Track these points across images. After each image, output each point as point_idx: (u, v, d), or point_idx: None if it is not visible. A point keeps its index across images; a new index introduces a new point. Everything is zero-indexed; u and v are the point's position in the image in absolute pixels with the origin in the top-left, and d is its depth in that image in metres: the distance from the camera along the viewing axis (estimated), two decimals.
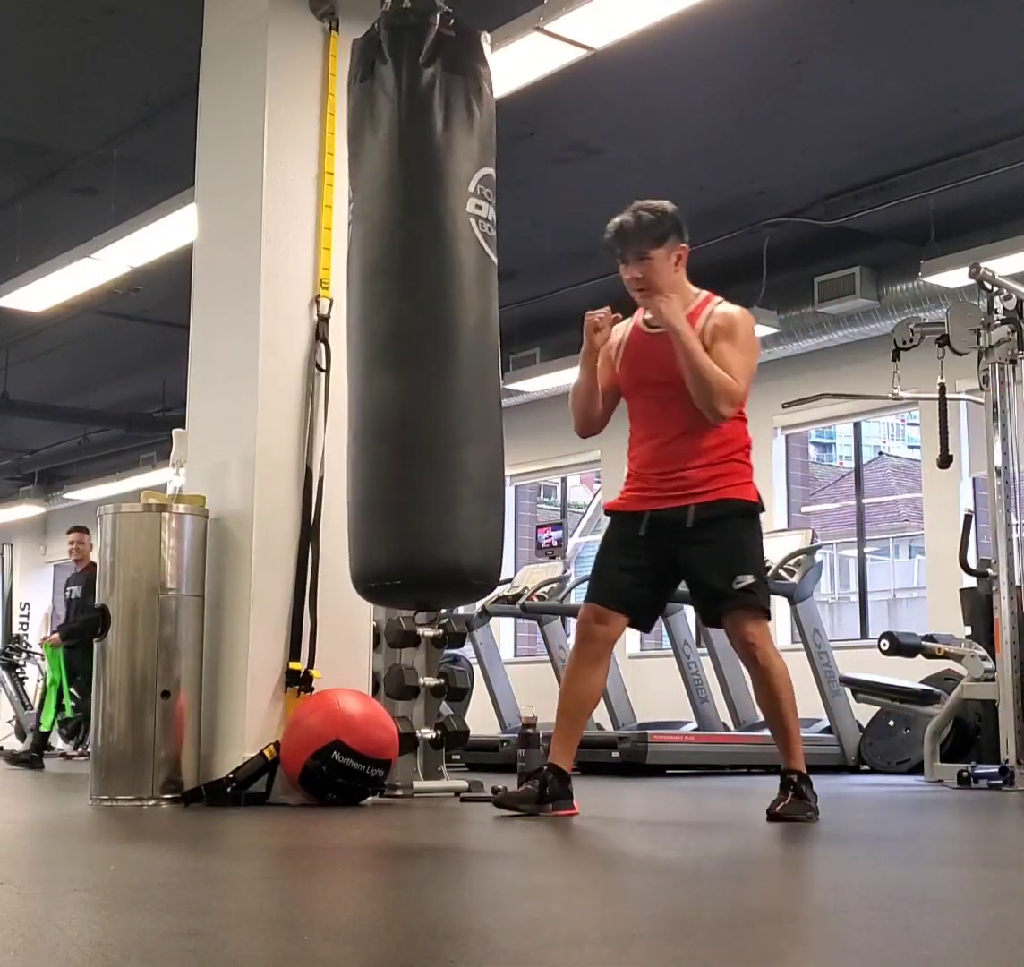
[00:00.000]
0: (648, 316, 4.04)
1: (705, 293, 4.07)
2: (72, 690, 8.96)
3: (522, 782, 4.07)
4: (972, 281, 6.28)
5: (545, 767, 4.03)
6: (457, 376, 3.40)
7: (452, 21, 3.55)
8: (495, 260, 3.49)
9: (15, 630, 13.58)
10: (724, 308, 4.01)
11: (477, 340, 3.44)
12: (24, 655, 12.98)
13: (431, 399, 3.38)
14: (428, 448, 3.35)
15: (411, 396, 3.36)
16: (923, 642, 6.99)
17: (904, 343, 6.61)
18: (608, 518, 4.12)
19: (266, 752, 4.57)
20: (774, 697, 3.98)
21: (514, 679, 9.38)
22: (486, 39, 3.68)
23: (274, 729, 4.66)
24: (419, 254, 3.42)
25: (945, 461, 6.38)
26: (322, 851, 3.34)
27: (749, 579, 3.86)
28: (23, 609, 14.20)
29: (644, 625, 4.23)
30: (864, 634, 10.65)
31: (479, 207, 3.43)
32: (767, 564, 8.21)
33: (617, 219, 4.05)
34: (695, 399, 3.86)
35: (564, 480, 13.80)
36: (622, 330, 4.10)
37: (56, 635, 9.16)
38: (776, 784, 3.97)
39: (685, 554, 3.92)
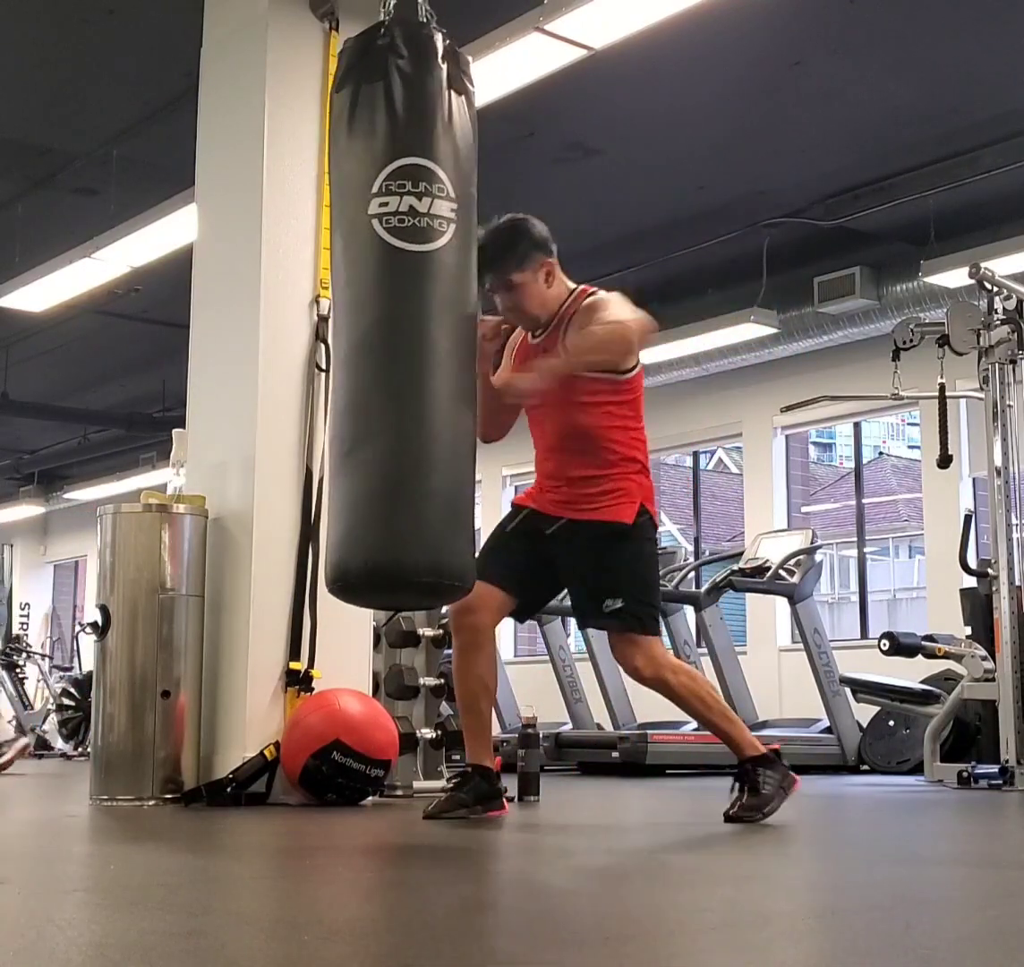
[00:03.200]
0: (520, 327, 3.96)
1: (580, 287, 3.95)
2: None
3: (456, 788, 3.94)
4: (972, 281, 6.28)
5: (467, 769, 3.94)
6: (354, 379, 3.44)
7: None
8: (415, 247, 3.41)
9: (15, 630, 13.58)
10: (596, 296, 3.89)
11: (386, 342, 3.42)
12: (24, 655, 12.98)
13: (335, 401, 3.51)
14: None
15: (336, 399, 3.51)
16: (923, 642, 6.99)
17: (904, 343, 6.61)
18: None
19: (266, 752, 4.57)
20: (690, 707, 3.85)
21: (514, 679, 9.38)
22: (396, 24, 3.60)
23: (274, 729, 4.66)
24: (334, 274, 3.60)
25: (945, 461, 6.38)
26: (322, 851, 3.34)
27: (618, 604, 3.72)
28: (23, 609, 14.21)
29: (521, 616, 4.19)
30: (864, 634, 10.66)
31: (384, 204, 3.42)
32: (768, 564, 8.29)
33: (478, 249, 3.80)
34: (606, 367, 3.75)
35: None
36: (517, 335, 4.00)
37: None
38: None
39: (560, 566, 3.87)
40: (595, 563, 3.78)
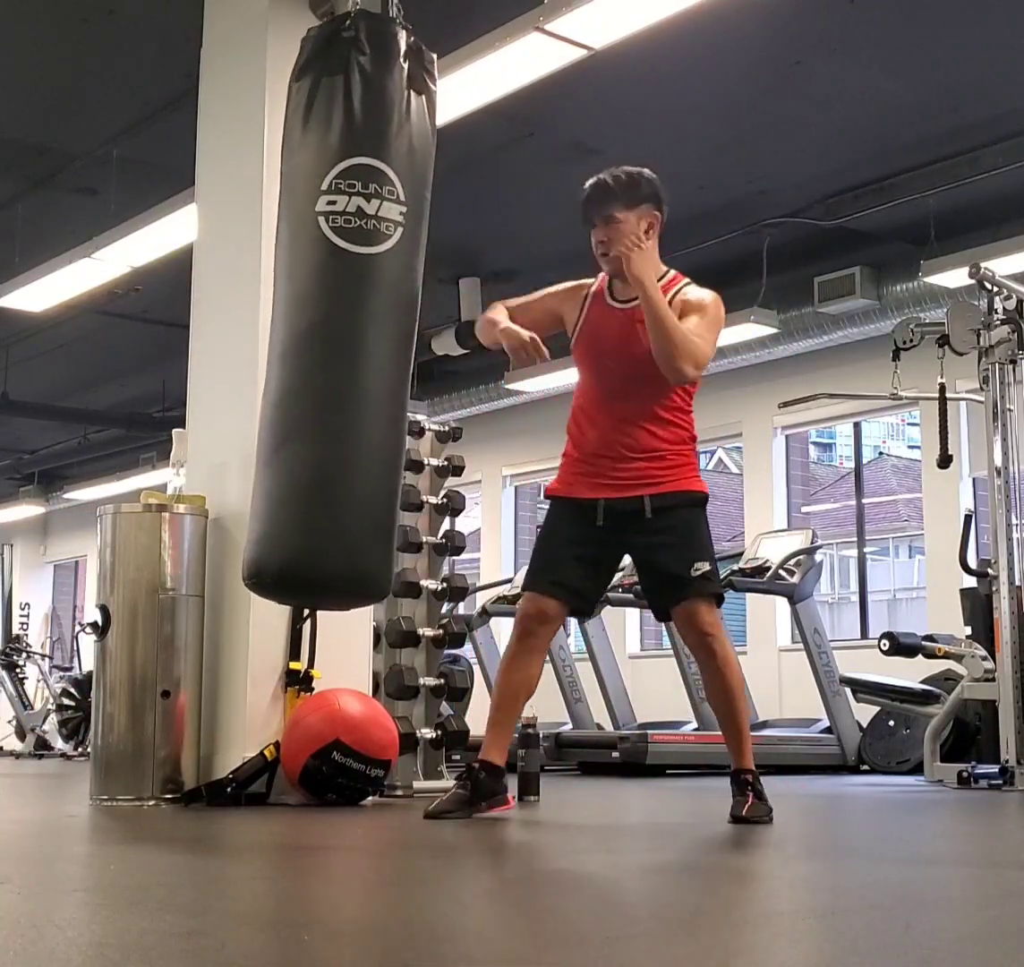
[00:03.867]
0: (615, 289, 3.93)
1: (674, 272, 3.97)
2: None
3: (462, 784, 3.92)
4: (972, 281, 6.28)
5: (475, 764, 3.92)
6: (289, 376, 3.42)
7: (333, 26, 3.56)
8: (359, 249, 3.39)
9: (15, 630, 13.58)
10: (696, 288, 3.93)
11: (324, 342, 3.40)
12: (24, 655, 12.98)
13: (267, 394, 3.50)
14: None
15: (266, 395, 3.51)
16: (923, 642, 6.99)
17: (904, 343, 6.61)
18: (551, 501, 4.01)
19: (266, 752, 4.57)
20: (729, 692, 3.87)
21: None
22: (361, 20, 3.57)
23: (274, 729, 4.66)
24: (277, 262, 3.57)
25: (945, 461, 6.38)
26: (322, 851, 3.33)
27: (706, 567, 3.82)
28: (23, 609, 14.21)
29: (588, 614, 4.20)
30: (864, 634, 10.66)
31: (333, 203, 3.38)
32: (768, 564, 8.29)
33: (590, 181, 3.91)
34: (657, 356, 3.72)
35: None
36: (576, 298, 3.97)
37: None
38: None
39: (641, 544, 3.86)
40: (685, 531, 3.85)
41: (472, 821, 3.85)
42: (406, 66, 3.51)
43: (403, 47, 3.52)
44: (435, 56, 3.66)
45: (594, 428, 3.90)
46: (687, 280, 3.97)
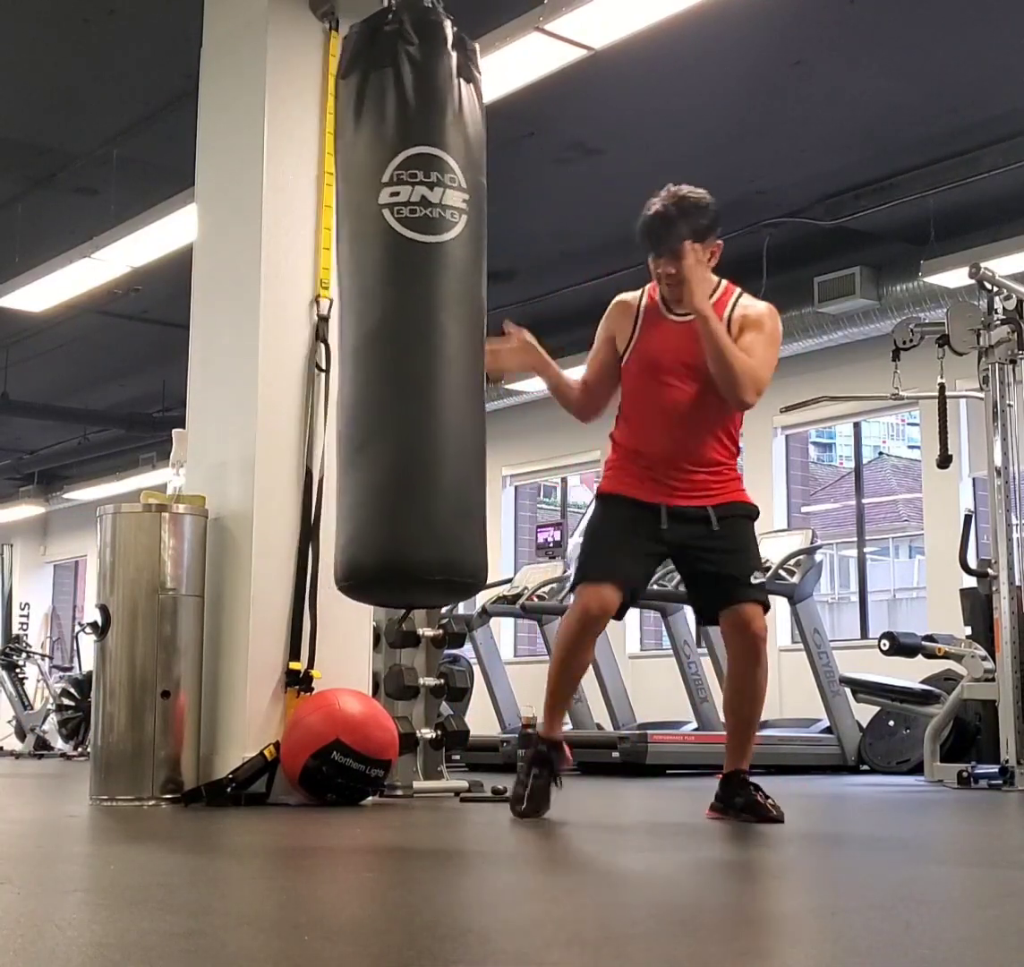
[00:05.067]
0: (670, 302, 3.96)
1: (725, 283, 4.02)
2: None
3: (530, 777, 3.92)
4: (972, 281, 6.28)
5: (542, 747, 3.94)
6: (365, 372, 3.39)
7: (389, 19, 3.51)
8: (427, 238, 3.38)
9: (15, 630, 13.58)
10: (750, 301, 3.99)
11: (397, 335, 3.38)
12: (24, 655, 12.99)
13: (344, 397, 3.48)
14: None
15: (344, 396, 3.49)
16: (923, 642, 6.99)
17: (904, 343, 6.60)
18: (608, 499, 4.00)
19: (266, 752, 4.57)
20: (760, 697, 3.95)
21: (514, 679, 9.38)
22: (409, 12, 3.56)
23: (274, 729, 4.66)
24: (340, 260, 3.55)
25: (945, 461, 6.38)
26: (322, 851, 3.33)
27: (762, 577, 3.94)
28: (23, 609, 14.22)
29: (632, 604, 4.20)
30: (864, 634, 10.66)
31: (396, 194, 3.37)
32: (768, 564, 8.29)
33: (655, 208, 3.89)
34: (721, 385, 3.81)
35: (564, 480, 13.78)
36: (628, 314, 4.02)
37: None
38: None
39: (701, 549, 3.90)
40: (744, 540, 3.96)
41: (471, 821, 3.85)
42: (454, 55, 3.51)
43: (450, 36, 3.53)
44: (477, 45, 3.67)
45: (660, 437, 3.93)
46: (739, 290, 4.02)
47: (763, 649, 3.88)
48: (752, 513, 4.00)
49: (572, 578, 4.04)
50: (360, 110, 3.46)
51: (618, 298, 4.10)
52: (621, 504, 3.96)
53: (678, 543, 3.92)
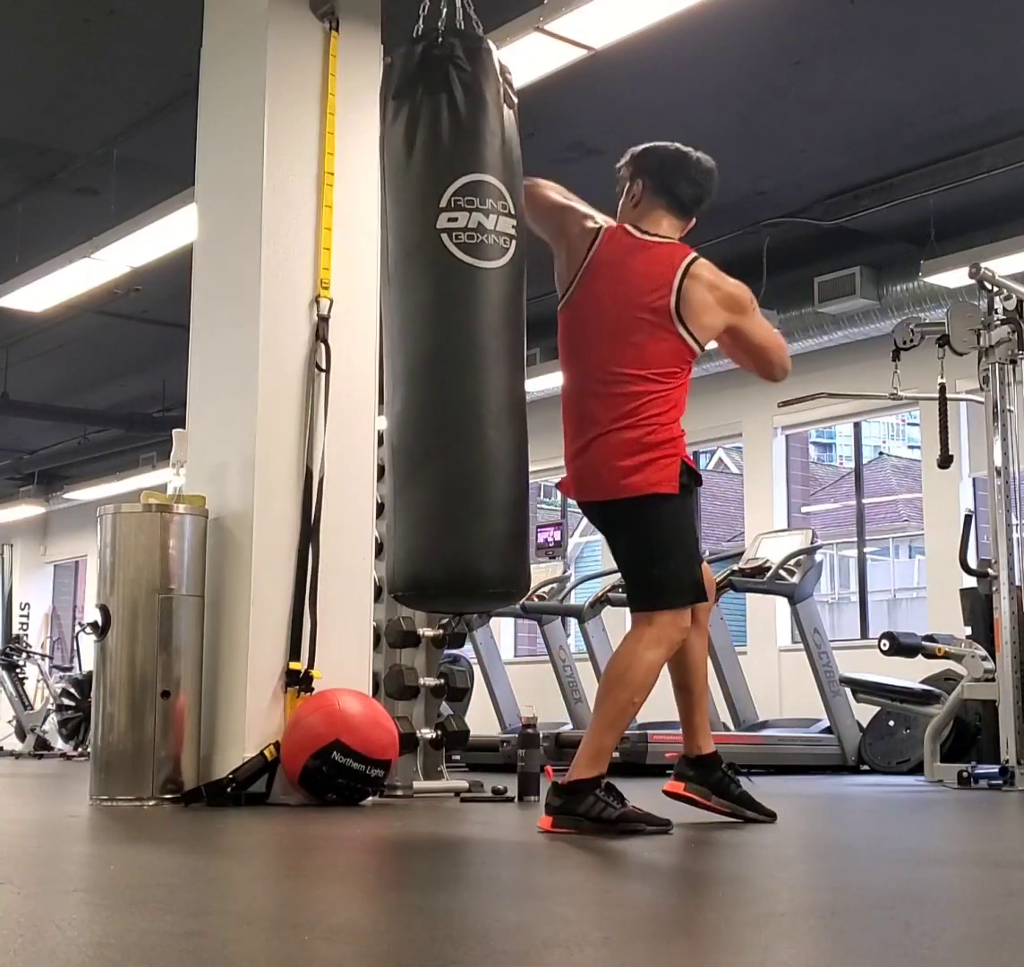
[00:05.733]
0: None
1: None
2: None
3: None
4: (972, 281, 6.28)
5: (726, 766, 3.80)
6: (423, 392, 3.49)
7: (440, 39, 3.58)
8: (482, 264, 3.48)
9: (15, 630, 13.58)
10: (708, 272, 3.90)
11: (456, 356, 3.49)
12: (24, 655, 12.99)
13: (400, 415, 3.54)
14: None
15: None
16: (923, 642, 6.99)
17: (904, 343, 6.60)
18: (675, 499, 3.56)
19: (266, 752, 4.57)
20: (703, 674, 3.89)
21: (514, 679, 9.38)
22: (475, 30, 3.66)
23: (274, 729, 4.66)
24: (393, 280, 3.60)
25: (945, 461, 6.38)
26: (322, 851, 3.34)
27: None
28: (23, 609, 14.21)
29: None
30: (864, 634, 10.66)
31: (453, 219, 3.46)
32: (768, 564, 8.29)
33: (713, 175, 4.04)
34: (760, 373, 3.88)
35: None
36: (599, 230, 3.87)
37: None
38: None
39: None
40: None
41: (471, 822, 3.85)
42: (500, 81, 3.62)
43: (498, 63, 3.64)
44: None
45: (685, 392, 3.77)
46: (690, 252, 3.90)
47: (704, 618, 3.79)
48: None
49: (671, 592, 3.55)
50: (414, 133, 3.55)
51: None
52: (691, 495, 3.67)
53: None
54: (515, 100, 3.68)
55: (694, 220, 3.96)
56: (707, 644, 3.93)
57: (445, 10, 3.68)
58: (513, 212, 3.55)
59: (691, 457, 3.74)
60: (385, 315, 3.69)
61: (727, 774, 3.85)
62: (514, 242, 3.54)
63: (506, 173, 3.58)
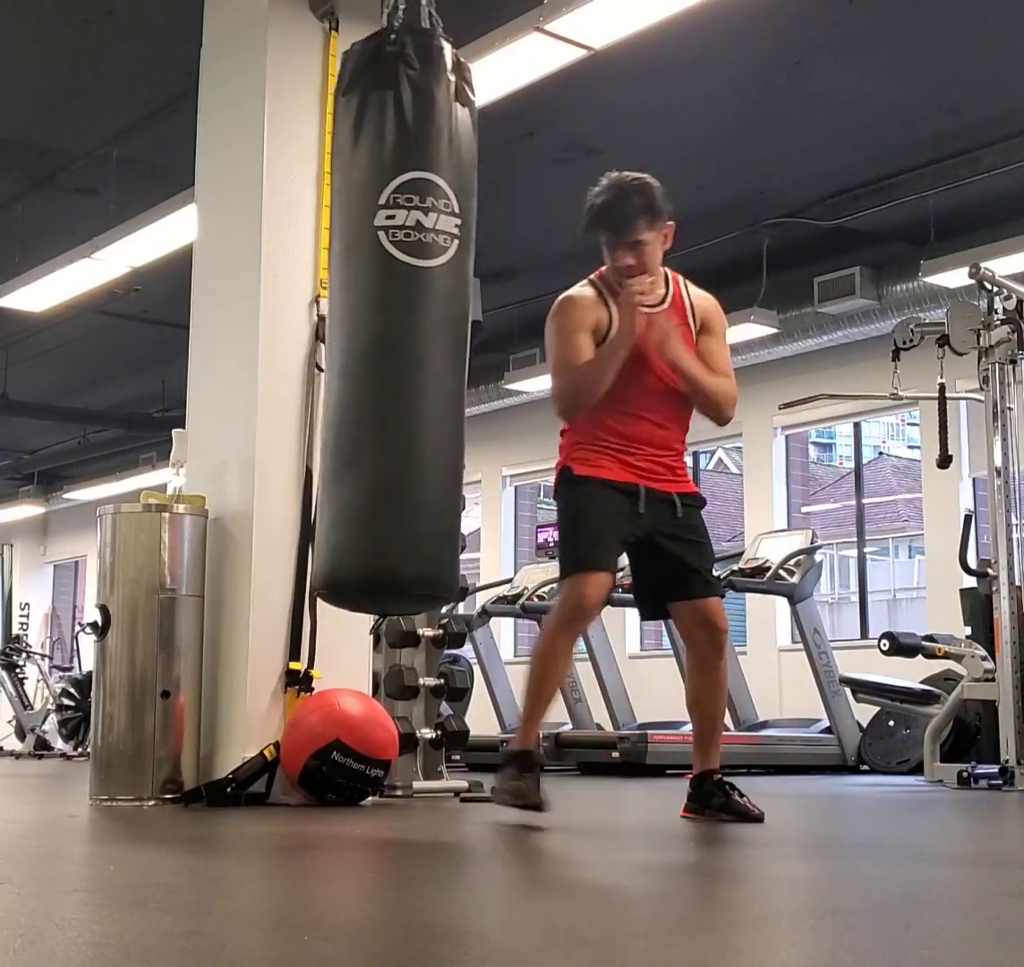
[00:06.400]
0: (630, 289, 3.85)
1: (670, 272, 3.98)
2: None
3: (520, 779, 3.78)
4: (972, 281, 6.28)
5: (526, 750, 3.81)
6: (354, 390, 3.47)
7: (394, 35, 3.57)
8: (418, 263, 3.44)
9: (15, 630, 13.58)
10: (697, 289, 3.98)
11: (388, 356, 3.45)
12: (24, 655, 12.99)
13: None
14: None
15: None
16: (923, 642, 6.99)
17: (904, 343, 6.60)
18: (588, 482, 3.82)
19: (266, 752, 4.57)
20: (723, 691, 3.94)
21: (514, 679, 9.37)
22: (436, 29, 3.64)
23: (274, 729, 4.66)
24: (333, 276, 3.61)
25: (945, 461, 6.38)
26: (322, 851, 3.34)
27: (718, 571, 3.92)
28: (23, 609, 14.22)
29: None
30: (864, 634, 10.66)
31: (391, 217, 3.44)
32: (768, 564, 8.29)
33: (602, 197, 3.84)
34: (702, 409, 3.88)
35: None
36: (599, 306, 3.86)
37: None
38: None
39: (670, 536, 3.85)
40: (704, 533, 3.94)
41: (471, 821, 3.85)
42: (452, 79, 3.59)
43: (449, 60, 3.61)
44: (472, 67, 3.73)
45: (638, 421, 3.86)
46: (682, 277, 4.01)
47: (726, 643, 3.87)
48: (703, 504, 3.99)
49: (563, 567, 3.82)
50: (359, 130, 3.54)
51: (573, 295, 3.92)
52: (601, 487, 3.84)
53: (651, 528, 3.85)
54: (472, 98, 3.64)
55: (604, 245, 3.90)
56: (720, 670, 3.88)
57: (403, 7, 3.64)
58: (457, 211, 3.50)
59: (614, 470, 3.83)
60: (328, 310, 3.68)
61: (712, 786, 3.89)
62: (456, 242, 3.50)
63: (453, 172, 3.53)
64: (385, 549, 3.40)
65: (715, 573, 3.94)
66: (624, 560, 4.03)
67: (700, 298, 3.98)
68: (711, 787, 3.87)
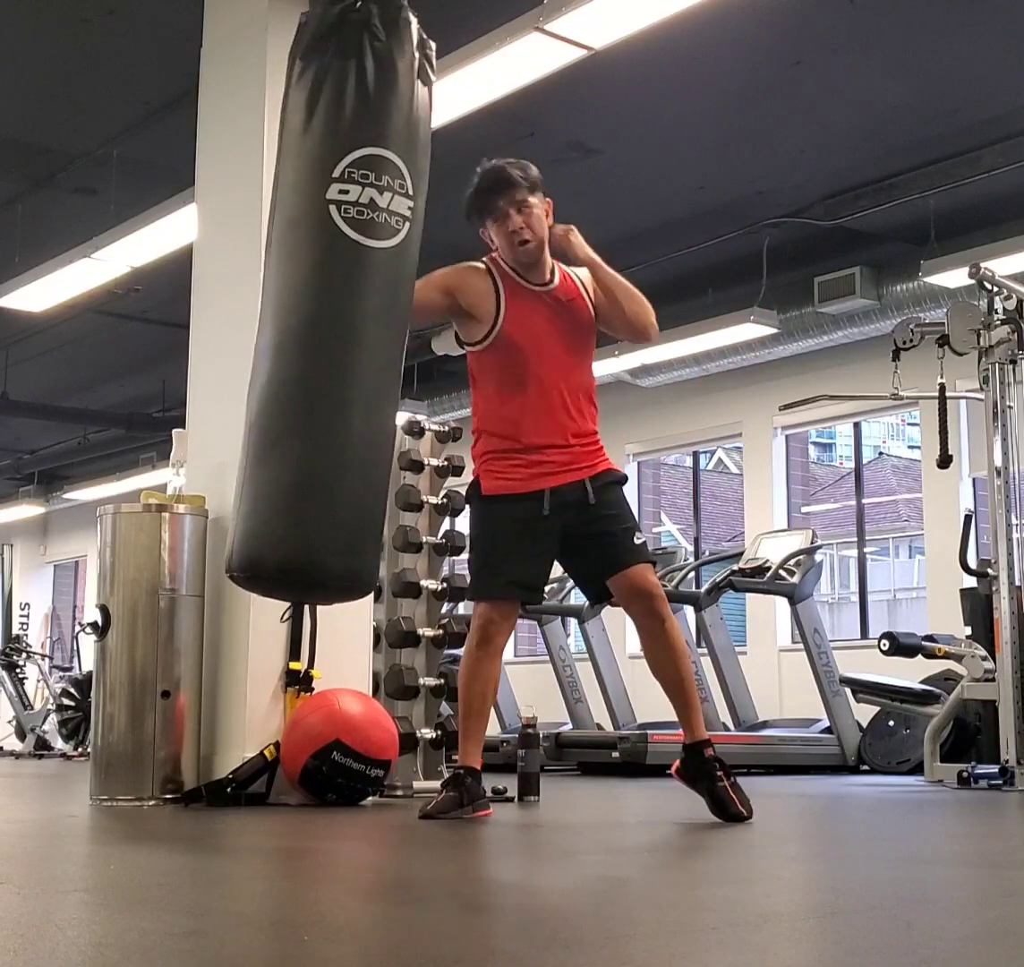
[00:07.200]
0: (523, 273, 3.92)
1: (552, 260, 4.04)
2: None
3: (447, 788, 3.94)
4: (972, 281, 6.28)
5: (460, 771, 3.94)
6: (289, 368, 3.34)
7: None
8: (368, 242, 3.30)
9: (15, 630, 13.58)
10: (574, 268, 4.04)
11: (328, 336, 3.32)
12: (24, 655, 12.99)
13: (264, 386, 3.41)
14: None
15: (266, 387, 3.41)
16: (923, 642, 6.99)
17: (904, 343, 6.60)
18: (488, 501, 3.92)
19: (266, 752, 4.57)
20: (679, 654, 3.91)
21: (514, 679, 9.38)
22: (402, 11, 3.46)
23: (274, 729, 4.66)
24: (272, 244, 3.43)
25: (945, 461, 6.38)
26: (322, 851, 3.34)
27: (642, 537, 3.95)
28: (23, 609, 14.21)
29: (538, 603, 4.25)
30: (864, 634, 10.66)
31: (345, 191, 3.28)
32: (768, 564, 8.29)
33: (479, 175, 3.91)
34: (635, 321, 3.93)
35: None
36: (484, 284, 3.90)
37: None
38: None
39: (586, 525, 3.89)
40: (621, 506, 3.96)
41: (472, 822, 3.85)
42: (416, 55, 3.44)
43: (415, 35, 3.45)
44: (434, 45, 3.61)
45: (533, 415, 3.89)
46: (568, 267, 4.06)
47: (662, 606, 3.87)
48: (622, 479, 4.03)
49: (468, 591, 4.05)
50: (316, 97, 3.35)
51: (467, 265, 3.96)
52: (498, 505, 3.91)
53: (559, 524, 3.88)
54: (432, 78, 3.50)
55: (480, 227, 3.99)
56: (665, 634, 3.91)
57: None
58: (411, 193, 3.37)
59: (513, 481, 3.89)
60: (263, 285, 3.48)
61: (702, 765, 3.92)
62: (408, 225, 3.36)
63: (408, 151, 3.38)
64: (305, 537, 3.27)
65: (642, 538, 3.92)
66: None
67: (580, 272, 4.02)
68: (704, 765, 3.88)
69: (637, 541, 3.89)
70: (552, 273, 3.98)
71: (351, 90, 3.35)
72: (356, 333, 3.34)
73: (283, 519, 3.29)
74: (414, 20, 3.46)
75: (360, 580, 3.42)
